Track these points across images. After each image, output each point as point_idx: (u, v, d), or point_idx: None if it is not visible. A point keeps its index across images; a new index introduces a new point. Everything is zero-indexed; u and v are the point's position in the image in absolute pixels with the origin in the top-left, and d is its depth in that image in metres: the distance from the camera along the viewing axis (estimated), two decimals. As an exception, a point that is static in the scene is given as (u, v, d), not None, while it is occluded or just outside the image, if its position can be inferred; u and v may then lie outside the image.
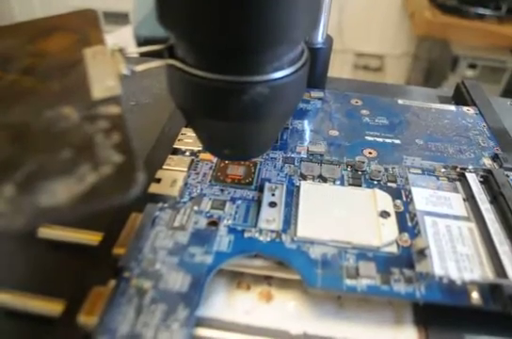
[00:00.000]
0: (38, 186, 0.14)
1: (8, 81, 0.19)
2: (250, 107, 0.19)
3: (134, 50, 0.20)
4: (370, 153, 0.29)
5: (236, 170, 0.27)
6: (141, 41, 1.06)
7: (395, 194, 0.26)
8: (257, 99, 0.19)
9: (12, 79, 0.19)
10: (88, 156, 0.15)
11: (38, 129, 0.16)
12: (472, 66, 1.07)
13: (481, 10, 1.05)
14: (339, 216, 0.24)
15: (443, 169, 0.28)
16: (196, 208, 0.24)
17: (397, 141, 0.30)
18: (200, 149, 0.27)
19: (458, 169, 0.28)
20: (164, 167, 0.26)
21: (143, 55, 0.22)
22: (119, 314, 0.18)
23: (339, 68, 1.38)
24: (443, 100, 0.39)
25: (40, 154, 0.15)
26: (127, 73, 0.19)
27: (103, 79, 0.18)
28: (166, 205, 0.24)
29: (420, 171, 0.28)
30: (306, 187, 0.25)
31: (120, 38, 1.11)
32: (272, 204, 0.24)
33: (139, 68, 0.19)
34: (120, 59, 0.19)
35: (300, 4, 0.17)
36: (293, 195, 0.25)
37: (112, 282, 0.20)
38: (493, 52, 1.06)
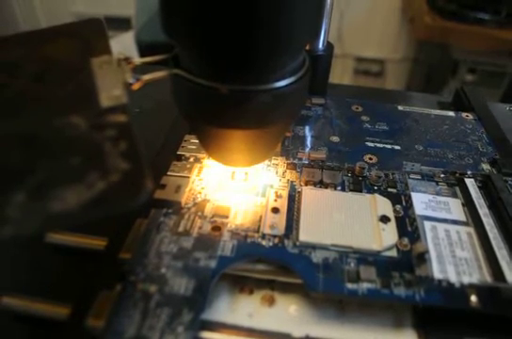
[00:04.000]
0: (48, 193, 0.15)
1: (16, 89, 0.19)
2: (254, 115, 0.20)
3: (139, 60, 0.21)
4: (370, 158, 0.29)
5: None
6: (142, 47, 1.06)
7: (395, 199, 0.26)
8: (260, 107, 0.19)
9: (21, 87, 0.19)
10: (97, 164, 0.15)
11: (47, 137, 0.17)
12: (472, 70, 1.08)
13: (481, 15, 1.05)
14: (340, 221, 0.24)
15: (442, 175, 0.28)
16: (200, 213, 0.24)
17: (397, 147, 0.31)
18: (204, 155, 0.28)
19: (457, 175, 0.28)
20: (168, 173, 0.26)
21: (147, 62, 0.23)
22: (125, 318, 0.19)
23: (339, 73, 1.38)
24: (443, 106, 0.40)
25: (50, 162, 0.16)
26: (133, 82, 0.19)
27: (109, 88, 0.19)
28: (170, 211, 0.24)
29: (419, 177, 0.28)
30: (307, 193, 0.26)
31: (123, 43, 1.11)
32: (275, 210, 0.24)
33: (145, 77, 0.19)
34: (126, 69, 0.20)
35: (303, 15, 0.17)
36: (295, 200, 0.25)
37: (118, 287, 0.20)
38: (493, 56, 1.06)
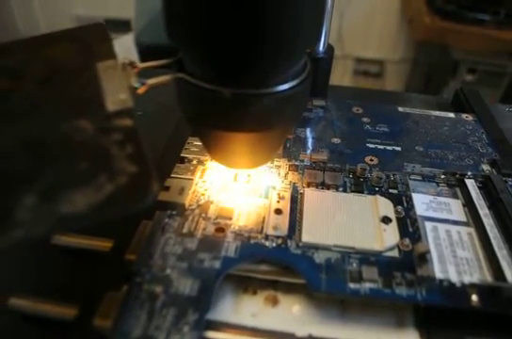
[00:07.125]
0: (57, 196, 0.15)
1: (23, 94, 0.19)
2: (257, 118, 0.20)
3: (143, 64, 0.21)
4: (371, 160, 0.30)
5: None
6: (143, 49, 1.07)
7: (396, 200, 0.26)
8: (263, 110, 0.20)
9: (27, 92, 0.19)
10: (105, 167, 0.16)
11: (55, 141, 0.17)
12: (472, 71, 1.08)
13: (480, 16, 1.06)
14: (342, 221, 0.24)
15: (443, 176, 0.28)
16: (203, 215, 0.25)
17: (398, 148, 0.31)
18: (207, 157, 0.28)
19: (458, 176, 0.28)
20: (172, 175, 0.27)
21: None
22: (132, 318, 0.19)
23: (339, 74, 1.38)
24: (443, 107, 0.40)
25: (59, 166, 0.16)
26: (138, 87, 0.20)
27: (115, 92, 0.19)
28: (174, 213, 0.24)
29: (420, 178, 0.28)
30: (309, 194, 0.26)
31: (123, 45, 1.11)
32: (278, 211, 0.25)
33: (150, 81, 0.20)
34: (131, 73, 0.20)
35: (306, 20, 0.18)
36: (297, 202, 0.26)
37: (124, 288, 0.20)
38: (493, 57, 1.07)
